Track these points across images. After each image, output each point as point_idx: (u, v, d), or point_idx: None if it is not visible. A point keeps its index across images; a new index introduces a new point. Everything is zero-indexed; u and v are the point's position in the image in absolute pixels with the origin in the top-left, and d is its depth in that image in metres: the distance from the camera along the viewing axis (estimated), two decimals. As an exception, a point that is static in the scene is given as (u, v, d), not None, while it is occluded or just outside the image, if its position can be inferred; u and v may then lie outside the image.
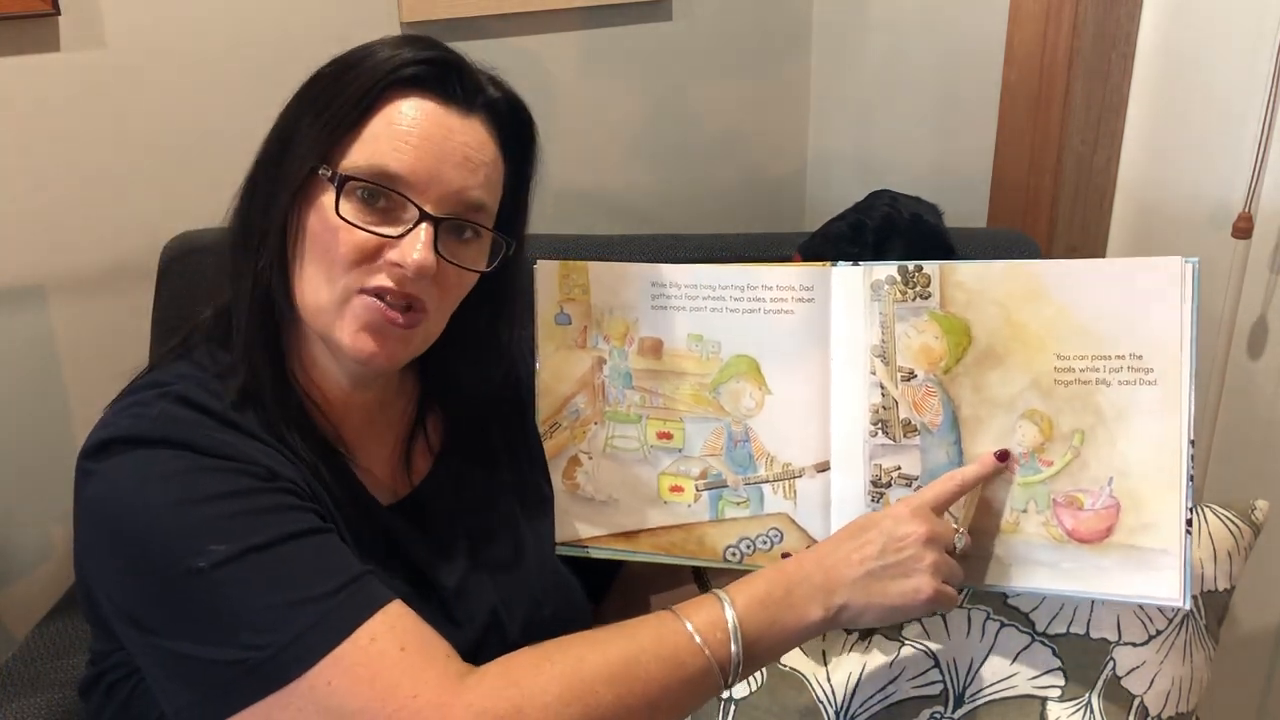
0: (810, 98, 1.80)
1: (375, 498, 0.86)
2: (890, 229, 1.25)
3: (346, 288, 0.78)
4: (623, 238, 1.40)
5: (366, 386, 0.88)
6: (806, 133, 1.82)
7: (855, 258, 1.27)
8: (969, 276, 0.87)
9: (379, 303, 0.79)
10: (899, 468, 0.89)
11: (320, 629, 0.70)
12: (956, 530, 0.84)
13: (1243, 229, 1.32)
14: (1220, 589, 0.96)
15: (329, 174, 0.77)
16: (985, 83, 1.53)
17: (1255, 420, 1.40)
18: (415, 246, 0.77)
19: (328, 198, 0.78)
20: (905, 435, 0.88)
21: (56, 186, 1.23)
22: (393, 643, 0.71)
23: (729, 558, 0.94)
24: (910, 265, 0.88)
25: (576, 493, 0.97)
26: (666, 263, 0.95)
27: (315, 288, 0.79)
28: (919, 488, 0.88)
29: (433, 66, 0.79)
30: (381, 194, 0.78)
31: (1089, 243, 1.51)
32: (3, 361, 1.26)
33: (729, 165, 1.75)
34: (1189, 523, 0.83)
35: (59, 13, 1.17)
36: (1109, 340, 0.84)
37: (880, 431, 0.89)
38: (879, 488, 0.89)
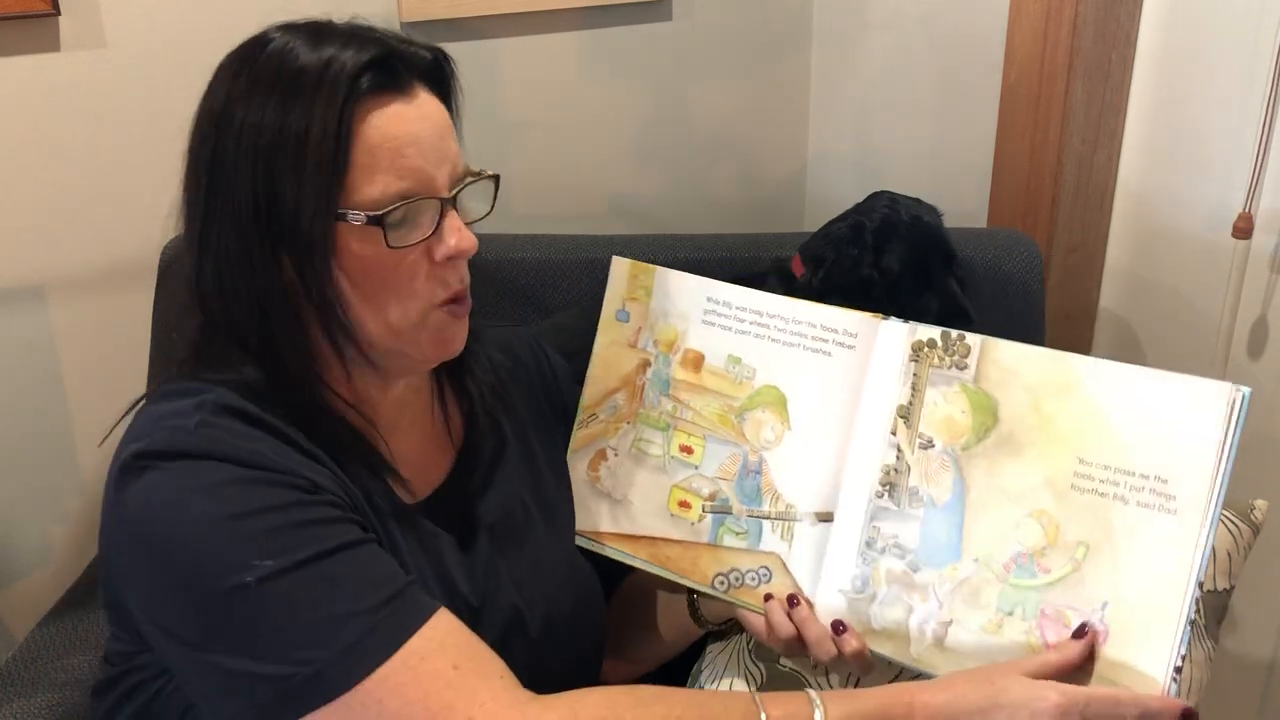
0: (810, 98, 1.80)
1: (402, 498, 0.86)
2: (890, 230, 1.25)
3: (423, 307, 0.80)
4: (623, 238, 1.40)
5: (399, 377, 0.88)
6: (806, 133, 1.82)
7: (855, 259, 1.27)
8: (1008, 355, 0.83)
9: (451, 308, 0.82)
10: (896, 536, 0.85)
11: (366, 644, 0.70)
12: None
13: (1243, 229, 1.32)
14: (1220, 589, 0.96)
15: (360, 218, 0.76)
16: (985, 83, 1.53)
17: (1255, 420, 1.39)
18: (454, 233, 0.79)
19: (368, 237, 0.77)
20: (910, 504, 0.85)
21: (57, 186, 1.23)
22: (444, 660, 0.71)
23: (716, 585, 0.92)
24: (954, 333, 0.85)
25: (596, 485, 0.98)
26: (668, 266, 0.96)
27: (390, 317, 0.80)
28: (911, 562, 0.85)
29: (379, 69, 0.78)
30: (401, 207, 0.78)
31: (1089, 242, 1.51)
32: (3, 361, 1.26)
33: (729, 165, 1.75)
34: (1178, 670, 0.75)
35: (59, 13, 1.17)
36: (1137, 455, 0.78)
37: (887, 494, 0.86)
38: (872, 550, 0.86)
